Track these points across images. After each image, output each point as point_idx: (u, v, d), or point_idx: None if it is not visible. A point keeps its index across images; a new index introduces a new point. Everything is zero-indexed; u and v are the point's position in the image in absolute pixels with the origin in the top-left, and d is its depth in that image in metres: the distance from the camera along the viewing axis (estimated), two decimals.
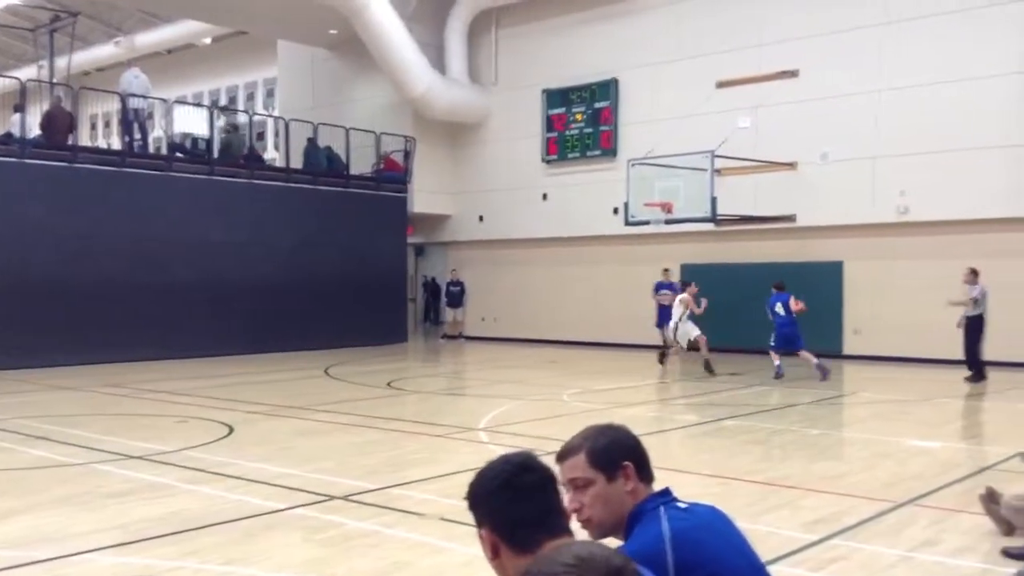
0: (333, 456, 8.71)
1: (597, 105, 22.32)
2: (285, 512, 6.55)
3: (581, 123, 22.59)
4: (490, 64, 24.25)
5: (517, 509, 2.01)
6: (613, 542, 2.36)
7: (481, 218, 24.57)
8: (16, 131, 17.41)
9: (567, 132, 22.85)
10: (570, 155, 22.82)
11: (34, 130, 18.02)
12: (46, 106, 18.50)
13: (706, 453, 9.04)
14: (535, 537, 1.98)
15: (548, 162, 23.23)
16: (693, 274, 20.83)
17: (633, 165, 18.55)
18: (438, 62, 23.43)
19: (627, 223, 18.90)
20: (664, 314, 18.35)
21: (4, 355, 15.91)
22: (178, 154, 19.74)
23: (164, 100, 20.61)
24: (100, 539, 5.80)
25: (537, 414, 11.43)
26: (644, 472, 2.49)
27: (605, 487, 2.42)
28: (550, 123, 23.15)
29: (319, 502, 6.84)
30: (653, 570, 2.05)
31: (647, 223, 18.50)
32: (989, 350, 14.63)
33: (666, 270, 19.87)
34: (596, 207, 21.86)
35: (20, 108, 17.86)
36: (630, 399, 12.84)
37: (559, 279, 23.22)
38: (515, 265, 24.09)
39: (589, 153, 22.47)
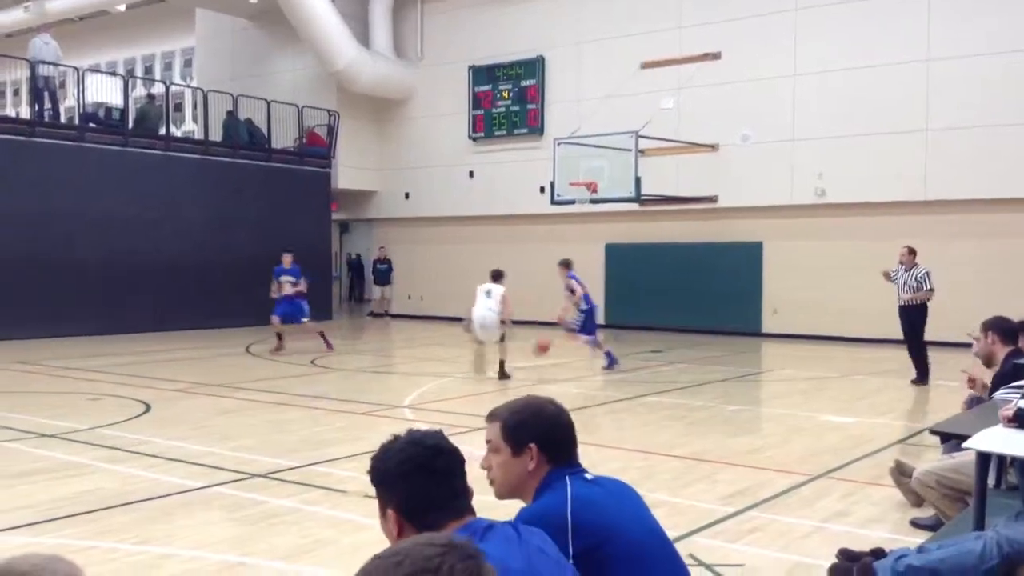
0: (254, 434, 8.56)
1: (524, 83, 22.29)
2: (204, 490, 6.42)
3: (508, 101, 22.54)
4: (416, 39, 23.98)
5: (428, 493, 2.03)
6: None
7: (407, 195, 24.36)
8: None
9: (494, 110, 22.77)
10: (496, 133, 22.76)
11: None
12: None
13: (628, 429, 9.17)
14: (442, 520, 2.00)
15: (475, 139, 23.13)
16: (618, 254, 21.11)
17: (559, 144, 18.60)
18: (363, 35, 23.05)
19: (553, 202, 18.97)
20: None
21: None
22: (91, 124, 19.04)
23: (76, 68, 19.82)
24: (9, 519, 5.60)
25: (461, 392, 11.43)
26: (555, 454, 2.56)
27: (509, 459, 2.54)
28: (476, 100, 23.04)
29: (239, 480, 6.72)
30: (551, 532, 2.16)
31: (572, 202, 18.59)
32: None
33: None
34: (523, 185, 21.88)
35: None
36: (554, 376, 12.94)
37: (486, 257, 23.17)
38: (441, 243, 23.98)
39: (516, 131, 22.45)
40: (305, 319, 15.58)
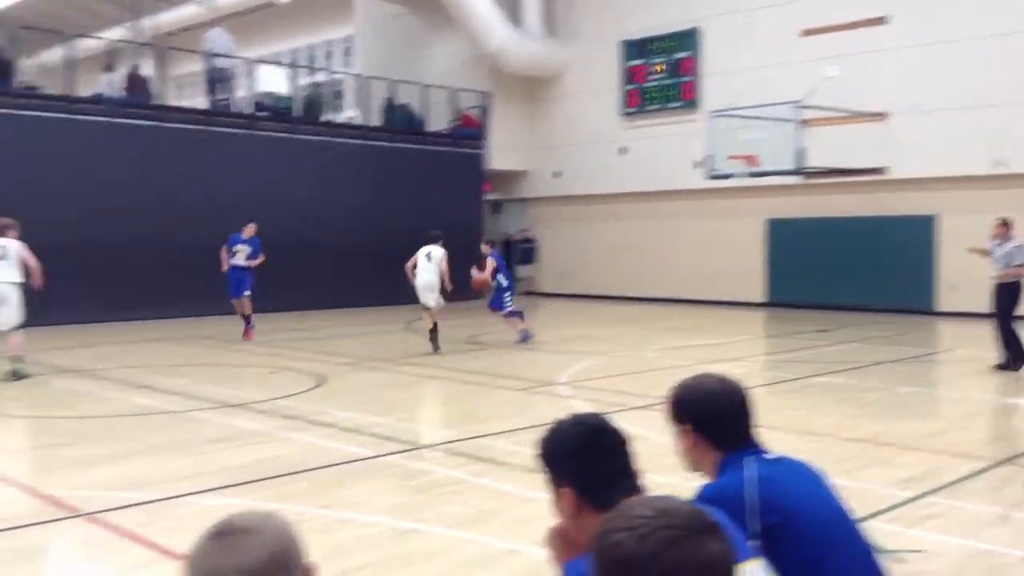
0: (419, 407, 8.85)
1: (677, 56, 21.85)
2: (375, 459, 6.69)
3: (661, 75, 22.16)
4: (566, 16, 23.91)
5: (598, 469, 2.10)
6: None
7: (558, 174, 24.42)
8: (106, 91, 17.90)
9: (646, 84, 22.45)
10: (649, 108, 22.45)
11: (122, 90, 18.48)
12: (139, 68, 18.95)
13: (795, 410, 8.89)
14: (613, 496, 2.03)
15: (627, 115, 22.90)
16: (780, 229, 20.46)
17: (715, 117, 18.15)
18: (514, 15, 23.19)
19: (709, 176, 18.56)
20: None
21: (105, 309, 16.50)
22: (261, 113, 20.05)
23: (246, 59, 20.90)
24: (201, 482, 6.02)
25: (618, 370, 11.40)
26: (715, 433, 2.53)
27: (677, 434, 2.60)
28: (629, 75, 22.77)
29: (407, 451, 6.96)
30: (729, 512, 2.12)
31: (730, 176, 18.13)
32: None
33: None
34: (676, 160, 21.51)
35: (109, 69, 18.36)
36: (714, 356, 12.70)
37: (637, 235, 22.99)
38: (593, 221, 23.93)
39: (669, 105, 22.07)
40: (247, 293, 14.54)
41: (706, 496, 2.35)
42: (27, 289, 10.57)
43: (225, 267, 14.36)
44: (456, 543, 4.89)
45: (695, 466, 2.59)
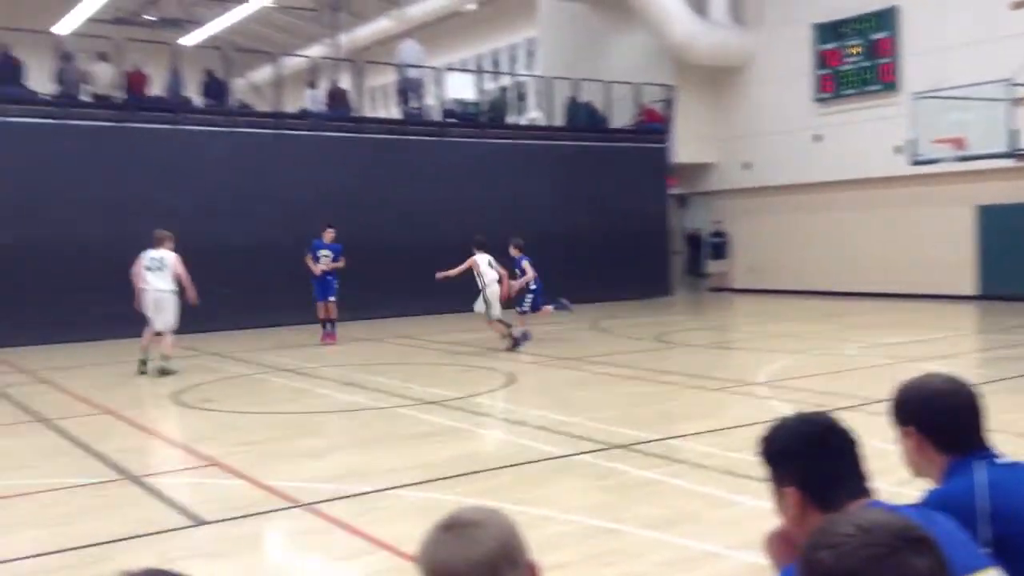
0: (610, 406, 8.86)
1: (874, 36, 20.69)
2: (570, 458, 6.77)
3: (857, 57, 21.06)
4: (752, 3, 23.19)
5: (825, 469, 2.03)
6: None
7: (748, 165, 23.73)
8: (310, 106, 19.06)
9: (842, 67, 21.41)
10: (845, 92, 21.39)
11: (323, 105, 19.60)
12: (337, 82, 20.05)
13: (1012, 412, 8.23)
14: (839, 497, 1.99)
15: (820, 101, 21.93)
16: (993, 216, 19.04)
17: (918, 99, 17.07)
18: (698, 5, 22.74)
19: (912, 162, 17.47)
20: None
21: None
22: (450, 119, 20.71)
23: (436, 68, 21.64)
24: (407, 476, 6.30)
25: (819, 369, 10.96)
26: (939, 437, 2.40)
27: (900, 436, 2.47)
28: (822, 59, 21.79)
29: (601, 450, 7.00)
30: (959, 517, 2.03)
31: (936, 161, 17.00)
32: None
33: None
34: (875, 147, 20.39)
35: (312, 84, 19.54)
36: (920, 353, 11.96)
37: (834, 226, 21.98)
38: (785, 213, 23.09)
39: (867, 88, 20.94)
40: (332, 298, 14.60)
41: (932, 502, 2.24)
42: (182, 298, 11.61)
43: (318, 271, 14.38)
44: (654, 544, 4.87)
45: (920, 471, 2.47)
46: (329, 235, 14.58)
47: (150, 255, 11.59)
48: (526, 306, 13.86)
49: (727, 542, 4.85)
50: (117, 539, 5.21)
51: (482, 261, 13.38)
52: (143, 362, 11.59)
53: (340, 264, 14.51)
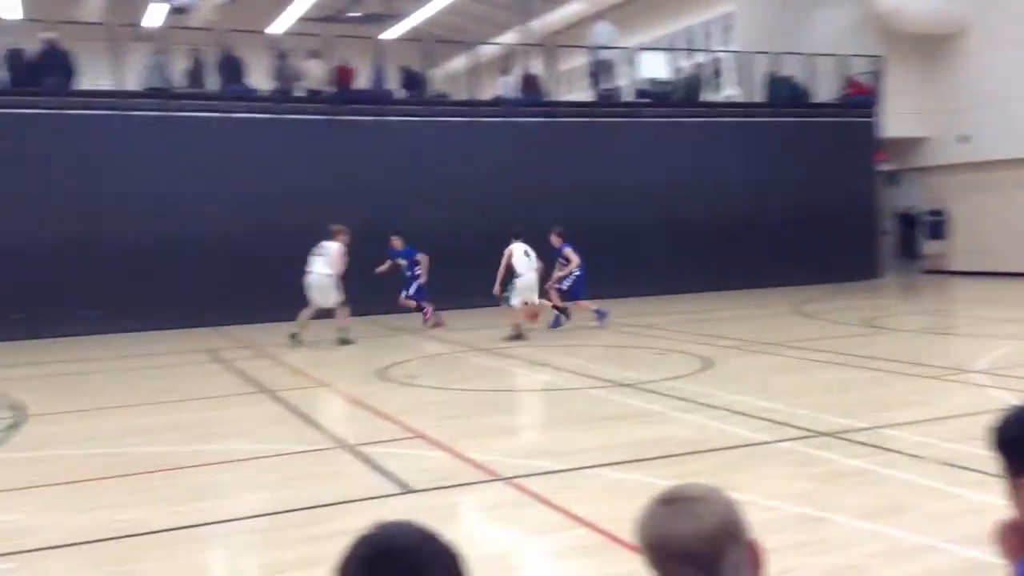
0: (813, 392, 8.51)
1: None
2: (772, 444, 6.56)
3: None
4: None
5: None
6: None
7: (965, 138, 21.99)
8: (503, 93, 19.41)
9: None
10: None
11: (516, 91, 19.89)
12: (530, 68, 20.31)
13: None
14: None
15: None
16: None
17: None
18: None
19: None
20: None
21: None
22: (643, 100, 20.47)
23: (628, 49, 21.45)
24: (605, 456, 6.33)
25: None
26: None
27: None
28: None
29: (806, 437, 6.73)
30: None
31: None
32: None
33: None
34: None
35: (505, 71, 19.89)
36: None
37: None
38: (1009, 189, 21.23)
39: None
40: (404, 293, 14.79)
41: None
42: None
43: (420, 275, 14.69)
44: (866, 535, 4.64)
45: None
46: (397, 242, 14.75)
47: (322, 244, 13.01)
48: (564, 285, 13.86)
49: (944, 536, 4.55)
50: (335, 502, 5.55)
51: (517, 251, 13.35)
52: (294, 336, 12.88)
53: (417, 267, 14.73)
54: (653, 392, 8.71)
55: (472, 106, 19.01)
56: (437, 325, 14.70)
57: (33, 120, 15.42)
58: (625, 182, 19.11)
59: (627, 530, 4.70)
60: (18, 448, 7.46)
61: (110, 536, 4.94)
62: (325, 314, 13.15)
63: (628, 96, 20.72)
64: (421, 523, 1.28)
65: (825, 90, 21.75)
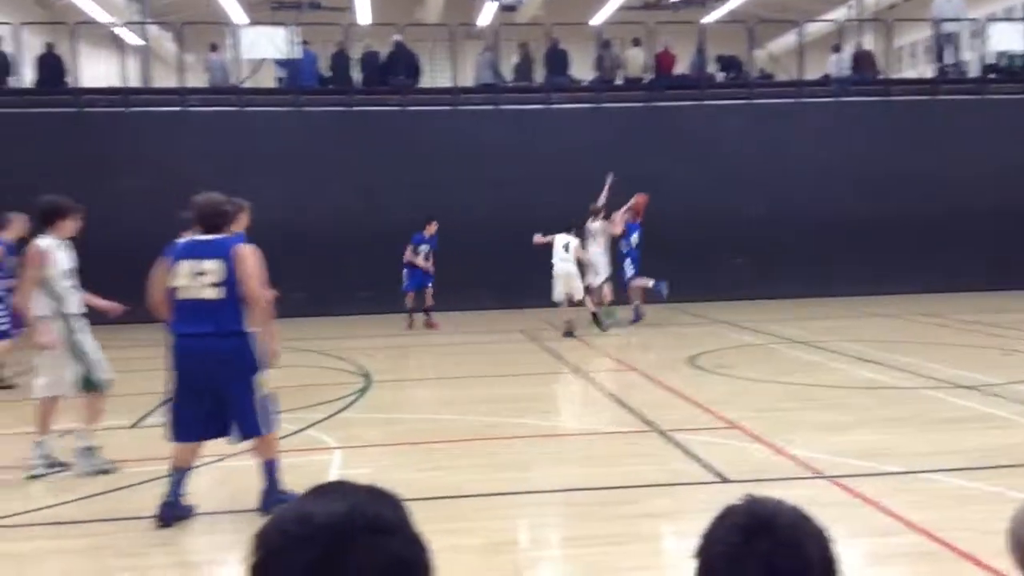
0: None
1: None
2: None
3: None
4: None
5: None
6: None
7: None
8: (834, 71, 18.39)
9: None
10: None
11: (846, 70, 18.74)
12: (862, 44, 19.06)
13: None
14: None
15: None
16: None
17: None
18: None
19: None
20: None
21: (825, 284, 16.96)
22: (992, 75, 18.44)
23: (976, 20, 19.38)
24: (941, 461, 5.82)
25: None
26: None
27: None
28: None
29: None
30: None
31: None
32: None
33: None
34: None
35: (837, 48, 18.83)
36: None
37: None
38: None
39: None
40: (429, 288, 14.14)
41: None
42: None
43: (426, 267, 14.06)
44: None
45: None
46: (431, 228, 14.11)
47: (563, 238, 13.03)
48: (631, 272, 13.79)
49: None
50: (644, 484, 5.62)
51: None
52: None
53: (428, 263, 14.11)
54: (997, 396, 7.86)
55: (798, 86, 18.19)
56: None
57: (378, 117, 16.92)
58: (964, 164, 17.22)
59: (969, 540, 4.32)
60: (368, 410, 8.33)
61: (441, 495, 5.35)
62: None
63: (974, 72, 18.77)
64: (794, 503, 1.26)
65: None
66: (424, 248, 14.11)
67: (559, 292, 12.91)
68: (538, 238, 13.19)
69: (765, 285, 16.69)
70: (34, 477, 6.04)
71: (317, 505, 1.06)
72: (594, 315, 13.00)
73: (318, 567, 1.01)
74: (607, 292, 13.77)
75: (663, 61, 17.86)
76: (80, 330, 6.17)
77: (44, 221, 6.18)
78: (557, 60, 17.60)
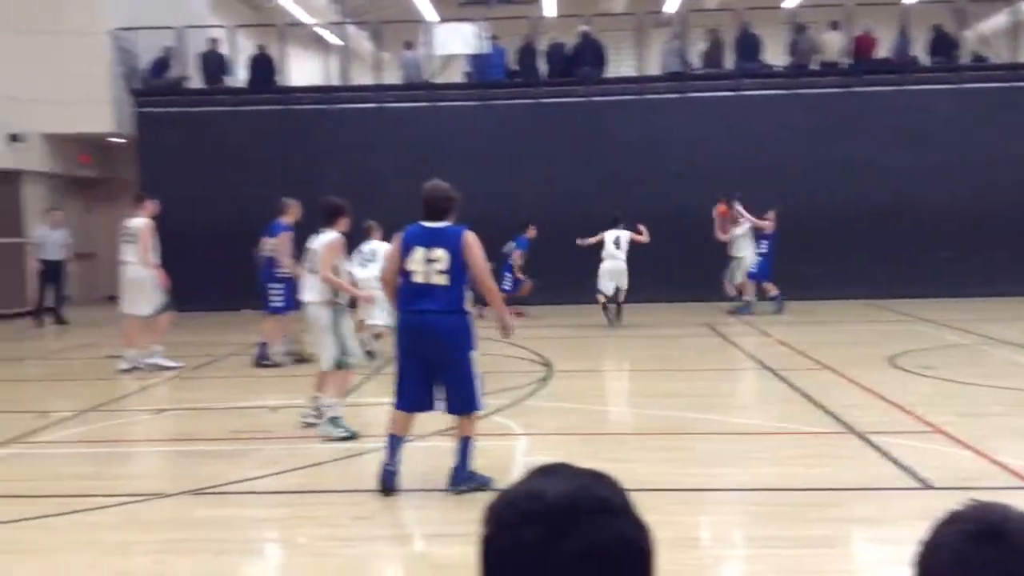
0: None
1: None
2: None
3: None
4: None
5: None
6: None
7: None
8: None
9: None
10: None
11: None
12: None
13: None
14: None
15: None
16: None
17: None
18: None
19: None
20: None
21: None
22: None
23: None
24: None
25: None
26: None
27: None
28: None
29: None
30: None
31: None
32: None
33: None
34: None
35: None
36: None
37: None
38: None
39: None
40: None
41: None
42: None
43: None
44: None
45: None
46: (532, 231, 14.21)
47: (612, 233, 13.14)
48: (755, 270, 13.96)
49: None
50: (842, 488, 5.42)
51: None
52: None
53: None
54: None
55: (1011, 69, 16.83)
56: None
57: (563, 108, 17.00)
58: None
59: None
60: (551, 398, 8.46)
61: (632, 487, 5.33)
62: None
63: None
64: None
65: None
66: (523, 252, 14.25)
67: (609, 285, 13.11)
68: (586, 240, 13.31)
69: (973, 281, 15.58)
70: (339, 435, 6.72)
71: (547, 484, 1.11)
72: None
73: (546, 543, 1.05)
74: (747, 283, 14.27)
75: (863, 44, 16.98)
76: (341, 315, 6.95)
77: (328, 218, 6.95)
78: (748, 45, 17.10)
